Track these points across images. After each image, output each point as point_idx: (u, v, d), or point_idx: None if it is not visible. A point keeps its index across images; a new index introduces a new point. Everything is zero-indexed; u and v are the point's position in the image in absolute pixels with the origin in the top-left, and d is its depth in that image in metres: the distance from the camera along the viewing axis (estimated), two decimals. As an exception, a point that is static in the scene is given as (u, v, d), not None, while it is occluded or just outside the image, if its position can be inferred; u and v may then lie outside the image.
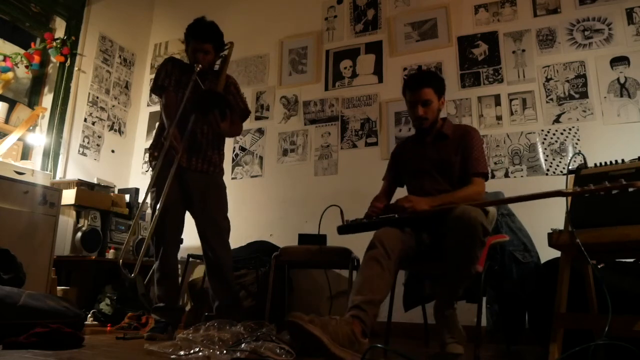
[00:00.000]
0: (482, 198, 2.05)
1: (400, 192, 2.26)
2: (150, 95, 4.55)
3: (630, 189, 1.49)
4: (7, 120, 3.56)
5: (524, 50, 3.28)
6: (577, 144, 2.99)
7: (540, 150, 3.08)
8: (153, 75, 4.55)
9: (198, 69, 2.46)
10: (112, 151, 4.25)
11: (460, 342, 1.81)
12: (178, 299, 2.57)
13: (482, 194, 2.06)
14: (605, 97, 2.99)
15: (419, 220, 1.96)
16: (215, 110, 2.33)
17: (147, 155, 2.49)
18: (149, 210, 3.83)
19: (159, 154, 2.42)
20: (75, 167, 3.87)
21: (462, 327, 1.88)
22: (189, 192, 2.49)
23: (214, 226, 2.48)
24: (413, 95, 2.12)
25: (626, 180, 1.48)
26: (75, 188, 3.37)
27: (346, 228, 2.11)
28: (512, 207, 2.59)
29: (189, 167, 2.47)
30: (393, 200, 2.18)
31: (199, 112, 2.39)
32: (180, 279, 2.81)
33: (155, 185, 2.43)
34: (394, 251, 1.80)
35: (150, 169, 2.57)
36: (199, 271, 3.58)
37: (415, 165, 2.20)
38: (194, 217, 2.54)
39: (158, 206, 2.36)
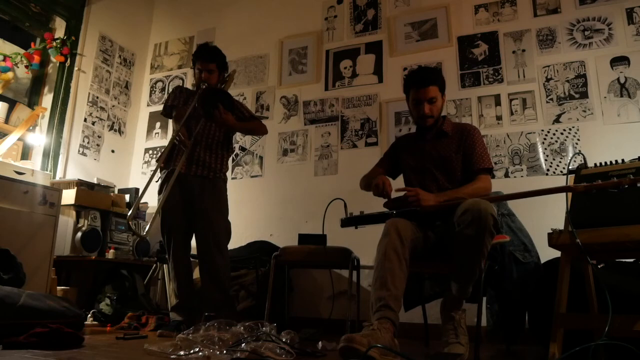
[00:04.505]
0: (490, 194, 2.03)
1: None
2: (150, 95, 4.55)
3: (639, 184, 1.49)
4: (7, 120, 3.56)
5: (524, 50, 3.28)
6: (577, 144, 2.99)
7: (540, 150, 3.08)
8: (153, 75, 4.61)
9: (204, 87, 2.66)
10: (112, 151, 4.24)
11: (463, 344, 1.80)
12: (193, 298, 2.64)
13: (489, 190, 2.03)
14: (605, 97, 2.99)
15: (425, 216, 1.94)
16: (218, 104, 2.52)
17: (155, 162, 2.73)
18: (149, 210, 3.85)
19: (165, 162, 2.64)
20: (75, 167, 3.87)
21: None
22: (188, 197, 2.61)
23: (209, 228, 2.58)
24: (418, 93, 2.09)
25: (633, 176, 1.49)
26: (75, 188, 3.37)
27: (349, 220, 2.13)
28: (512, 207, 2.59)
29: (188, 173, 2.61)
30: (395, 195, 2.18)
31: (204, 107, 2.55)
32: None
33: (163, 195, 2.60)
34: (407, 239, 1.80)
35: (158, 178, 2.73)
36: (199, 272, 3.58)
37: (415, 162, 2.19)
38: (193, 220, 2.63)
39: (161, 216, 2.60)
